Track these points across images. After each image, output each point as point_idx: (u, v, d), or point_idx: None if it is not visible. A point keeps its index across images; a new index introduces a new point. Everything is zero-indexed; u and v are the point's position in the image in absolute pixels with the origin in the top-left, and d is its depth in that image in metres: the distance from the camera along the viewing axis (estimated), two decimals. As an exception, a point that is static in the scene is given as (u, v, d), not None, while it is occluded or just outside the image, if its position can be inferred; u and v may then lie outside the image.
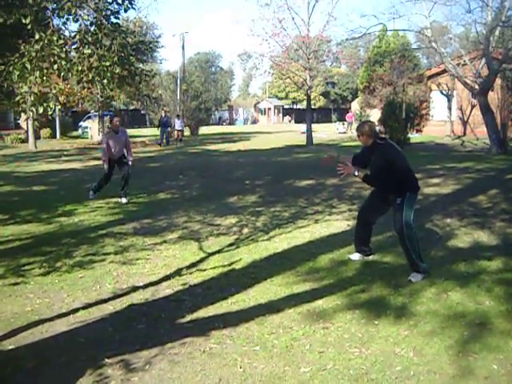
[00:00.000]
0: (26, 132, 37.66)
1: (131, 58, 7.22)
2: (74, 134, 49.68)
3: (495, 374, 4.58)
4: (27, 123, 35.99)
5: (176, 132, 36.43)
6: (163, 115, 35.98)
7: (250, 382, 4.46)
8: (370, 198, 7.86)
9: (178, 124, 36.59)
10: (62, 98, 24.44)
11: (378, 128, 7.54)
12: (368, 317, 5.75)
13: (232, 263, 7.69)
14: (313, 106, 57.13)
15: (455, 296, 6.32)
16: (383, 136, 7.61)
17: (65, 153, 28.59)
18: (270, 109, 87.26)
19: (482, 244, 8.72)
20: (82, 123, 52.68)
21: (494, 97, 30.85)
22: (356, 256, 7.85)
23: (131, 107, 64.48)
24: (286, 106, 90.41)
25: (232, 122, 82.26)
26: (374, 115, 38.54)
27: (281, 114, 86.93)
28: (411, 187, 7.13)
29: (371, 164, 7.31)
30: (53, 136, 44.72)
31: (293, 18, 31.58)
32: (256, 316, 5.77)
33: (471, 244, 8.68)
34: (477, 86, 26.79)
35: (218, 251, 8.35)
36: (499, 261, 7.67)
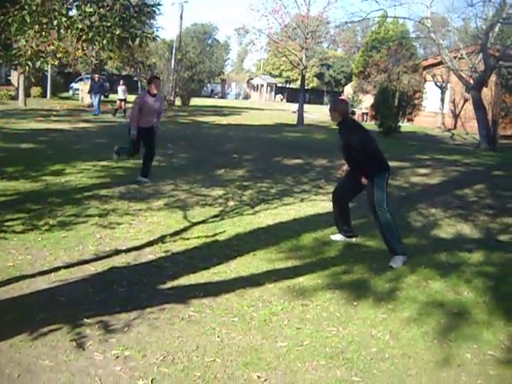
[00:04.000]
0: (17, 89, 37.33)
1: (133, 20, 7.16)
2: (65, 94, 49.35)
3: (468, 362, 4.64)
4: (18, 80, 35.69)
5: (118, 101, 31.08)
6: (96, 79, 32.23)
7: (227, 352, 4.49)
8: (344, 178, 7.91)
9: (120, 92, 30.75)
10: (59, 55, 24.07)
11: (350, 110, 7.71)
12: (347, 297, 5.80)
13: (216, 234, 7.72)
14: (306, 87, 56.88)
15: (435, 284, 6.38)
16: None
17: (54, 113, 28.33)
18: (262, 86, 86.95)
19: (465, 236, 8.81)
20: (73, 85, 52.37)
21: (487, 93, 30.97)
22: (337, 236, 7.89)
23: (124, 73, 63.99)
24: (279, 85, 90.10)
25: (224, 96, 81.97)
26: (367, 101, 38.50)
27: (273, 92, 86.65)
28: (379, 168, 7.18)
29: (340, 143, 7.41)
30: (43, 95, 44.40)
31: (294, -4, 31.46)
32: (236, 288, 5.81)
33: (454, 235, 8.76)
34: (471, 81, 26.88)
35: (203, 221, 8.37)
36: (480, 253, 7.75)
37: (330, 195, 8.32)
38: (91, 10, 6.76)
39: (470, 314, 5.65)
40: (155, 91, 11.19)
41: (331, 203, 8.03)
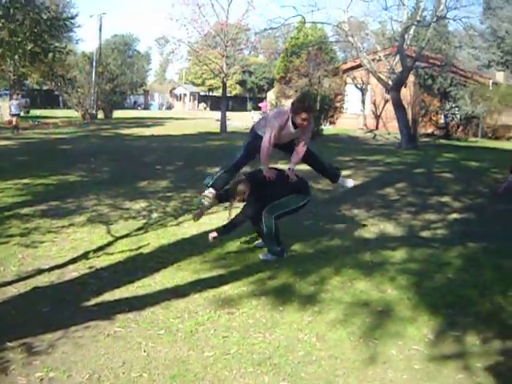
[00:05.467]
0: None
1: (44, 34, 7.04)
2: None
3: (394, 359, 4.74)
4: None
5: (12, 118, 27.56)
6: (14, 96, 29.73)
7: (154, 366, 4.46)
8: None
9: (13, 107, 27.66)
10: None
11: None
12: (273, 303, 5.83)
13: (140, 247, 7.64)
14: (229, 94, 57.00)
15: (359, 284, 6.48)
16: None
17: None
18: (185, 95, 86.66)
19: (388, 235, 8.98)
20: (-10, 101, 51.12)
21: (406, 93, 31.60)
22: (262, 243, 7.94)
23: (45, 87, 62.91)
24: (202, 93, 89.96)
25: (147, 107, 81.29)
26: (289, 105, 38.75)
27: (196, 101, 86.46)
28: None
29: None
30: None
31: (212, 5, 31.52)
32: (162, 300, 5.77)
33: (377, 234, 8.91)
34: (390, 82, 27.39)
35: (126, 235, 8.27)
36: (403, 251, 7.92)
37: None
38: (0, 24, 6.63)
39: (395, 311, 5.77)
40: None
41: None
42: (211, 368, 4.47)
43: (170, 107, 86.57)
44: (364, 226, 9.45)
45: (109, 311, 5.47)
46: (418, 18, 27.11)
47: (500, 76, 45.06)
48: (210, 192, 7.54)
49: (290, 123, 7.29)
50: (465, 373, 4.56)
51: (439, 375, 4.52)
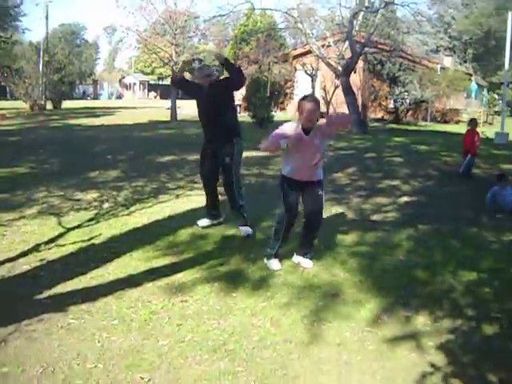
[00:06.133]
0: None
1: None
2: None
3: (347, 340, 4.83)
4: None
5: None
6: None
7: (108, 356, 4.45)
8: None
9: None
10: None
11: None
12: (226, 289, 5.86)
13: (91, 238, 7.56)
14: (179, 83, 56.53)
15: (311, 268, 6.55)
16: None
17: None
18: (135, 84, 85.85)
19: (339, 219, 9.08)
20: None
21: (355, 79, 31.90)
22: (204, 222, 8.11)
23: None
24: (152, 82, 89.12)
25: (96, 97, 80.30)
26: (238, 92, 38.75)
27: (146, 90, 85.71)
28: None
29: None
30: None
31: (160, -8, 31.24)
32: (115, 290, 5.74)
33: (328, 219, 8.97)
34: (340, 68, 27.54)
35: (78, 226, 8.18)
36: (354, 234, 8.03)
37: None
38: None
39: (347, 293, 5.86)
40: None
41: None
42: (166, 356, 4.48)
43: (119, 97, 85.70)
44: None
45: (62, 303, 5.42)
46: (366, 4, 27.30)
47: (448, 61, 45.88)
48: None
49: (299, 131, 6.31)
50: (417, 352, 4.67)
51: (392, 355, 4.61)
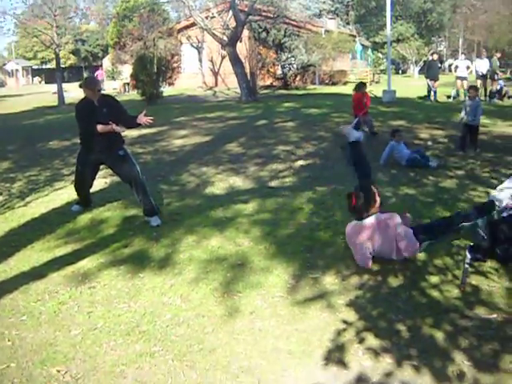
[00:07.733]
0: None
1: None
2: None
3: (259, 308, 4.89)
4: None
5: None
6: None
7: (21, 354, 4.31)
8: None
9: None
10: None
11: None
12: (133, 271, 5.80)
13: (-11, 234, 7.30)
14: (63, 65, 55.24)
15: (216, 241, 6.57)
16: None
17: None
18: (17, 70, 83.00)
19: (238, 189, 9.11)
20: None
21: (242, 48, 31.93)
22: (77, 207, 8.11)
23: None
24: (35, 67, 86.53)
25: (-24, 86, 77.35)
26: (126, 71, 38.15)
27: (30, 76, 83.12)
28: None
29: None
30: None
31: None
32: (20, 285, 5.55)
33: (227, 190, 9.02)
34: (225, 38, 27.46)
35: (-28, 222, 7.89)
36: (254, 203, 8.08)
37: (101, 172, 8.35)
38: None
39: (254, 262, 5.91)
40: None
41: (105, 180, 8.06)
42: (80, 346, 4.40)
43: (2, 85, 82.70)
44: (213, 182, 9.51)
45: (-36, 304, 5.22)
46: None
47: (331, 24, 46.59)
48: None
49: None
50: (328, 311, 4.78)
51: (305, 317, 4.70)
